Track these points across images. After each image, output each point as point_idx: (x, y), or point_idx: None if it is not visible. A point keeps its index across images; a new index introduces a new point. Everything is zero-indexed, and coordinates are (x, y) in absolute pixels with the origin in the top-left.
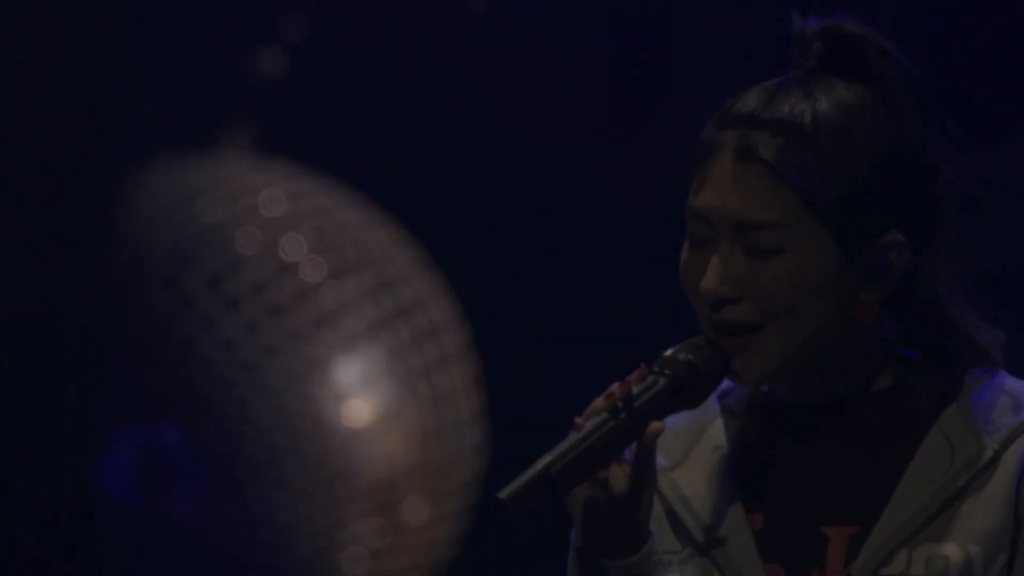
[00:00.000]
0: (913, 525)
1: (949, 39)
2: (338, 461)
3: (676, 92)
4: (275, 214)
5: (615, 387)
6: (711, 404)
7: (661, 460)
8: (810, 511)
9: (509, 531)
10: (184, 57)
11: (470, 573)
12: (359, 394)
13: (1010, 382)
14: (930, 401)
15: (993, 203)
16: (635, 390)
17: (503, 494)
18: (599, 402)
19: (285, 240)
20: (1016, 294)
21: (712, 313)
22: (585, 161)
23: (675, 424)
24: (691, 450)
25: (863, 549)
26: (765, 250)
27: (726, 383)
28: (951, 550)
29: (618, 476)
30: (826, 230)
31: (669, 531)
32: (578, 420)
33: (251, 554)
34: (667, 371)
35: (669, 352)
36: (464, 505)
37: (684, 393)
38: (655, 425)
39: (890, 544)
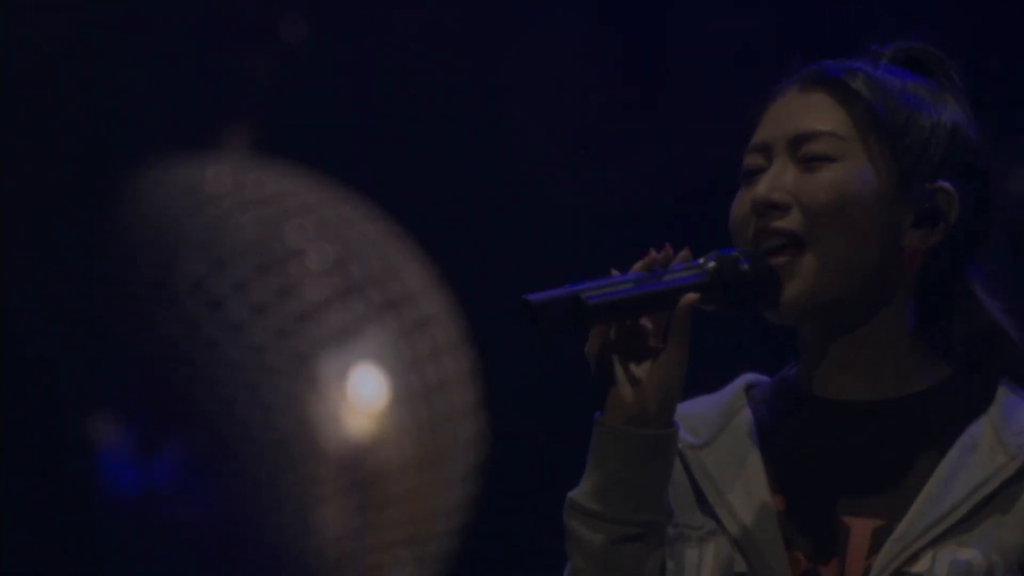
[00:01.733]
0: (940, 527)
1: (947, 36)
2: (333, 453)
3: (676, 92)
4: (266, 210)
5: (652, 252)
6: (739, 395)
7: (689, 437)
8: (834, 499)
9: (509, 528)
10: (184, 57)
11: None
12: (352, 389)
13: None
14: (963, 409)
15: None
16: (680, 264)
17: (532, 297)
18: (639, 263)
19: (277, 236)
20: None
21: (759, 221)
22: (584, 158)
23: (703, 409)
24: (720, 433)
25: (887, 543)
26: (820, 157)
27: (752, 376)
28: (975, 556)
29: (646, 333)
30: (885, 149)
31: (693, 505)
32: (614, 271)
33: (249, 551)
34: (712, 261)
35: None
36: (463, 488)
37: (725, 286)
38: (690, 295)
39: (916, 543)
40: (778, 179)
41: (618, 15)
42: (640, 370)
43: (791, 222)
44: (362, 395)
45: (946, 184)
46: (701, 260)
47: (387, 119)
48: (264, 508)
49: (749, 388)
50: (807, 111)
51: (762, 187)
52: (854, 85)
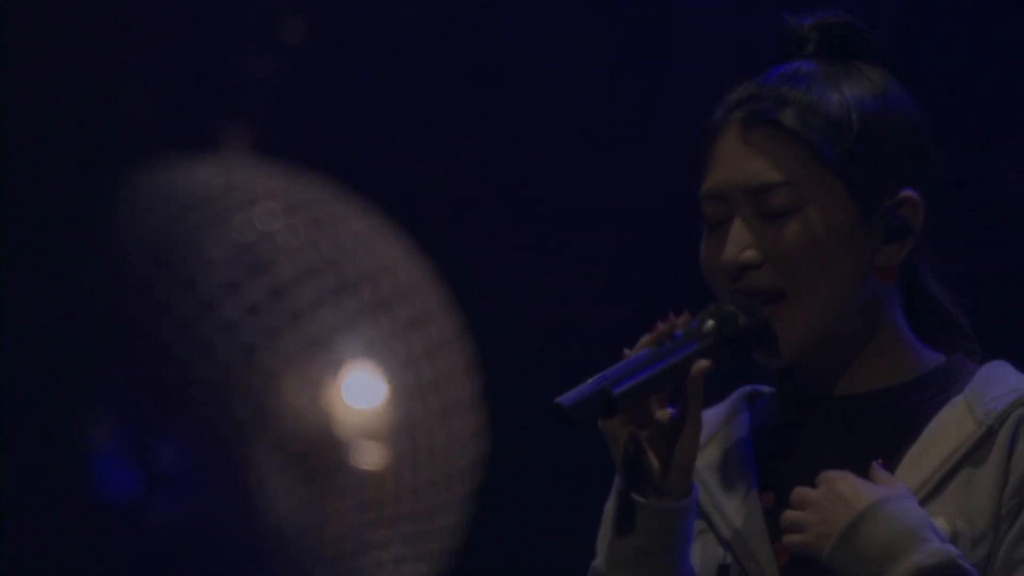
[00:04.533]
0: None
1: (944, 36)
2: (332, 452)
3: (676, 91)
4: (269, 211)
5: (659, 324)
6: (738, 400)
7: None
8: None
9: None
10: (183, 57)
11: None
12: (351, 384)
13: (1013, 370)
14: (946, 392)
15: (992, 202)
16: (681, 331)
17: (565, 401)
18: (645, 337)
19: (275, 232)
20: (1016, 294)
21: (735, 284)
22: (585, 158)
23: (703, 418)
24: (715, 436)
25: None
26: (782, 211)
27: (753, 387)
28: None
29: (651, 403)
30: (840, 184)
31: None
32: (626, 351)
33: (249, 552)
34: (711, 319)
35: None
36: (465, 482)
37: (727, 343)
38: (701, 363)
39: None
40: (744, 238)
41: (619, 15)
42: (656, 441)
43: (767, 279)
44: (358, 394)
45: (909, 192)
46: (699, 322)
47: (381, 117)
48: (263, 506)
49: (750, 396)
50: (755, 158)
51: (730, 249)
52: (793, 126)
